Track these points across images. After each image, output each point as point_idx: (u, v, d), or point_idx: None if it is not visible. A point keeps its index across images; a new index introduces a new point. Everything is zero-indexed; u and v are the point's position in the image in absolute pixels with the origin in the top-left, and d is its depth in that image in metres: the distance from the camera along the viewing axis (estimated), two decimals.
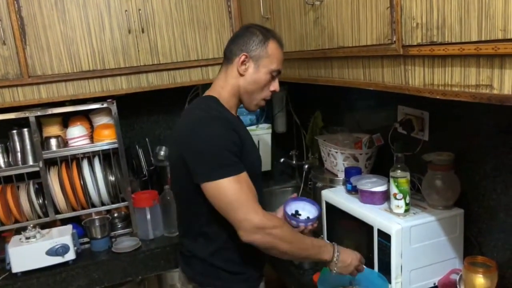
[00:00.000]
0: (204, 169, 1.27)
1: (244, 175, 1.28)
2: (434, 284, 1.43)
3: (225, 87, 1.43)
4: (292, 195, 1.65)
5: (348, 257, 1.38)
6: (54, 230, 2.05)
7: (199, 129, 1.31)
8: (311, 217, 1.51)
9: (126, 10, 2.06)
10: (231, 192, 1.25)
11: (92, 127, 2.27)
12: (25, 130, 2.09)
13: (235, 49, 1.41)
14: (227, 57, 1.44)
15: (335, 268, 1.36)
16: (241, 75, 1.40)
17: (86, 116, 2.27)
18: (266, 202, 2.46)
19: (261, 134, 2.51)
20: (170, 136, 2.14)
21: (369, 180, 1.59)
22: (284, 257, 1.36)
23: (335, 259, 1.36)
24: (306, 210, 1.54)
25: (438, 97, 1.00)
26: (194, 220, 1.42)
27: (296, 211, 1.53)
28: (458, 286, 1.34)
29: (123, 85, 2.13)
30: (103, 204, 2.22)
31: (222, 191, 1.26)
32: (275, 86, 1.45)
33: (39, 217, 2.13)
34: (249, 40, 1.39)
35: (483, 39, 0.84)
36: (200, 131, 1.31)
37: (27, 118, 2.02)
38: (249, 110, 1.50)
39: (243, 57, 1.38)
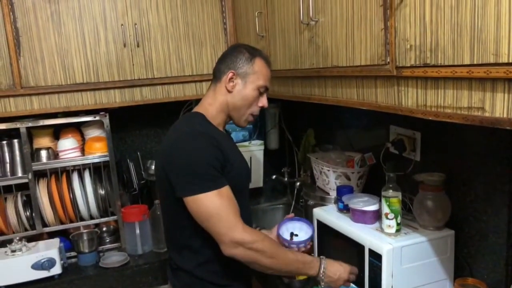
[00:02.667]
0: (185, 184, 1.30)
1: (225, 190, 1.30)
2: None
3: (213, 104, 1.46)
4: (289, 215, 1.64)
5: (335, 271, 1.39)
6: (41, 243, 2.01)
7: (181, 144, 1.35)
8: (304, 238, 1.51)
9: (122, 24, 2.07)
10: (211, 206, 1.27)
11: (83, 140, 2.25)
12: (15, 141, 2.07)
13: (223, 67, 1.45)
14: (216, 76, 1.48)
15: (322, 284, 1.37)
16: (229, 91, 1.44)
17: (77, 129, 2.26)
18: (256, 219, 2.45)
19: (254, 150, 2.51)
20: (157, 151, 2.14)
21: (360, 199, 1.59)
22: (267, 271, 1.35)
23: (321, 275, 1.37)
24: (302, 231, 1.55)
25: (430, 118, 1.01)
26: (179, 233, 1.44)
27: (291, 233, 1.54)
28: None
29: (116, 98, 2.13)
30: (92, 217, 2.19)
31: (202, 205, 1.28)
32: (263, 102, 1.48)
33: (26, 230, 2.10)
34: (236, 58, 1.44)
35: (475, 62, 0.86)
36: (181, 146, 1.34)
37: (18, 129, 2.00)
38: (239, 125, 1.52)
39: (230, 74, 1.42)
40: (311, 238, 1.52)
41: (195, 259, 1.41)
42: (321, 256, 1.42)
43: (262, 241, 1.30)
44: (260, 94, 1.47)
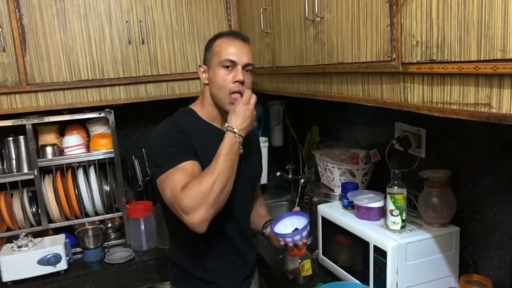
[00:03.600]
0: (152, 169, 1.38)
1: (184, 164, 1.29)
2: None
3: (200, 98, 1.52)
4: (294, 208, 1.58)
5: (236, 120, 1.34)
6: (47, 239, 2.03)
7: (151, 134, 1.49)
8: (300, 227, 1.45)
9: (127, 21, 2.08)
10: (165, 185, 1.29)
11: (88, 136, 2.26)
12: (21, 138, 2.08)
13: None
14: None
15: (241, 133, 1.33)
16: (206, 84, 1.46)
17: (82, 125, 2.27)
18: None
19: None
20: None
21: (365, 195, 1.59)
22: (225, 189, 1.28)
23: (237, 137, 1.32)
24: (298, 223, 1.49)
25: (436, 114, 1.01)
26: (168, 225, 1.51)
27: (296, 228, 1.48)
28: None
29: (121, 95, 2.14)
30: (97, 214, 2.20)
31: (162, 186, 1.31)
32: (236, 76, 1.38)
33: (32, 226, 2.11)
34: (204, 53, 1.49)
35: (482, 58, 0.85)
36: (150, 136, 1.49)
37: (23, 126, 2.01)
38: (226, 109, 1.42)
39: (201, 69, 1.47)
40: (306, 228, 1.42)
41: (182, 251, 1.46)
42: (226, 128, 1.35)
43: (197, 187, 1.24)
44: (228, 70, 1.39)
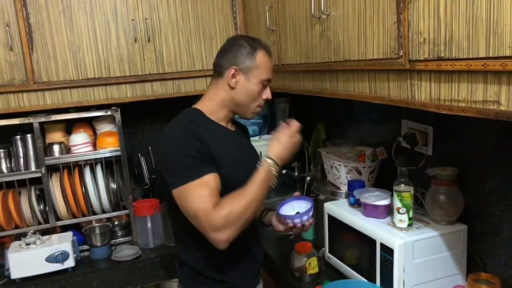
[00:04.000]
0: (169, 177, 1.30)
1: (208, 178, 1.27)
2: None
3: (214, 99, 1.44)
4: (294, 193, 1.58)
5: (279, 149, 1.35)
6: (54, 236, 2.04)
7: (162, 139, 1.37)
8: (301, 211, 1.46)
9: (133, 19, 2.08)
10: (186, 199, 1.26)
11: (95, 134, 2.27)
12: (29, 136, 2.09)
13: (224, 62, 1.41)
14: (217, 71, 1.44)
15: (279, 163, 1.35)
16: (232, 88, 1.41)
17: (89, 123, 2.28)
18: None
19: (264, 145, 2.49)
20: None
21: (372, 193, 1.58)
22: (254, 214, 1.32)
23: (275, 166, 1.34)
24: (299, 207, 1.50)
25: (444, 112, 1.00)
26: (179, 227, 1.45)
27: (297, 212, 1.48)
28: None
29: (127, 93, 2.14)
30: (104, 211, 2.21)
31: (183, 198, 1.27)
32: (267, 94, 1.45)
33: (40, 223, 2.13)
34: (237, 52, 1.40)
35: (491, 55, 0.85)
36: (162, 142, 1.36)
37: (30, 124, 2.03)
38: (245, 118, 1.51)
39: (233, 71, 1.39)
40: (312, 208, 1.44)
41: (195, 253, 1.42)
42: (260, 162, 1.35)
43: (230, 208, 1.24)
44: (264, 87, 1.43)
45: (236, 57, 1.40)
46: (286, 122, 1.42)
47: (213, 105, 1.44)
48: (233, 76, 1.40)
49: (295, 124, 1.41)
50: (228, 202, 1.26)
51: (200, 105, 1.46)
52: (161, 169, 1.34)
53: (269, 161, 1.34)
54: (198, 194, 1.25)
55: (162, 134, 1.40)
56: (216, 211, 1.24)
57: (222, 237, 1.25)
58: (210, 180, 1.28)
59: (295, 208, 1.50)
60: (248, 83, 1.40)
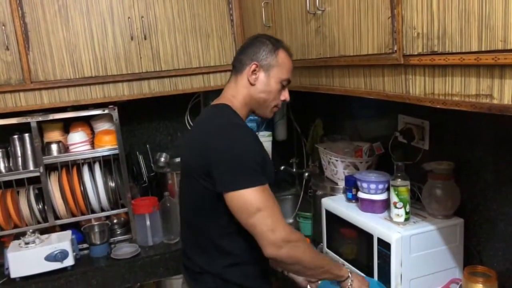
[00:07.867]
0: (231, 177, 1.22)
1: (267, 186, 1.25)
2: None
3: (236, 96, 1.40)
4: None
5: (360, 285, 1.37)
6: (53, 235, 2.04)
7: (226, 136, 1.27)
8: None
9: (129, 17, 2.08)
10: (258, 202, 1.20)
11: (93, 133, 2.27)
12: (26, 135, 2.09)
13: (245, 59, 1.38)
14: (237, 67, 1.41)
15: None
16: (252, 84, 1.38)
17: (87, 122, 2.28)
18: None
19: (262, 141, 2.51)
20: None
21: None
22: (305, 273, 1.33)
23: (349, 282, 1.35)
24: None
25: (438, 106, 1.01)
26: (208, 232, 1.35)
27: None
28: None
29: (124, 91, 2.14)
30: (102, 210, 2.22)
31: (248, 201, 1.20)
32: (285, 95, 1.43)
33: (39, 222, 2.13)
34: (259, 49, 1.37)
35: (483, 49, 0.85)
36: (226, 139, 1.26)
37: (28, 123, 2.02)
38: (264, 117, 1.47)
39: (253, 66, 1.36)
40: None
41: (226, 260, 1.34)
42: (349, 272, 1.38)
43: (304, 241, 1.26)
44: (282, 87, 1.41)
45: (258, 53, 1.37)
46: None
47: (236, 103, 1.39)
48: (254, 72, 1.37)
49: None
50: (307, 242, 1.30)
51: (231, 103, 1.39)
52: (215, 169, 1.24)
53: (350, 282, 1.35)
54: (271, 207, 1.21)
55: (216, 132, 1.30)
56: (290, 227, 1.24)
57: (281, 252, 1.20)
58: (269, 189, 1.25)
59: None
60: (268, 81, 1.37)
